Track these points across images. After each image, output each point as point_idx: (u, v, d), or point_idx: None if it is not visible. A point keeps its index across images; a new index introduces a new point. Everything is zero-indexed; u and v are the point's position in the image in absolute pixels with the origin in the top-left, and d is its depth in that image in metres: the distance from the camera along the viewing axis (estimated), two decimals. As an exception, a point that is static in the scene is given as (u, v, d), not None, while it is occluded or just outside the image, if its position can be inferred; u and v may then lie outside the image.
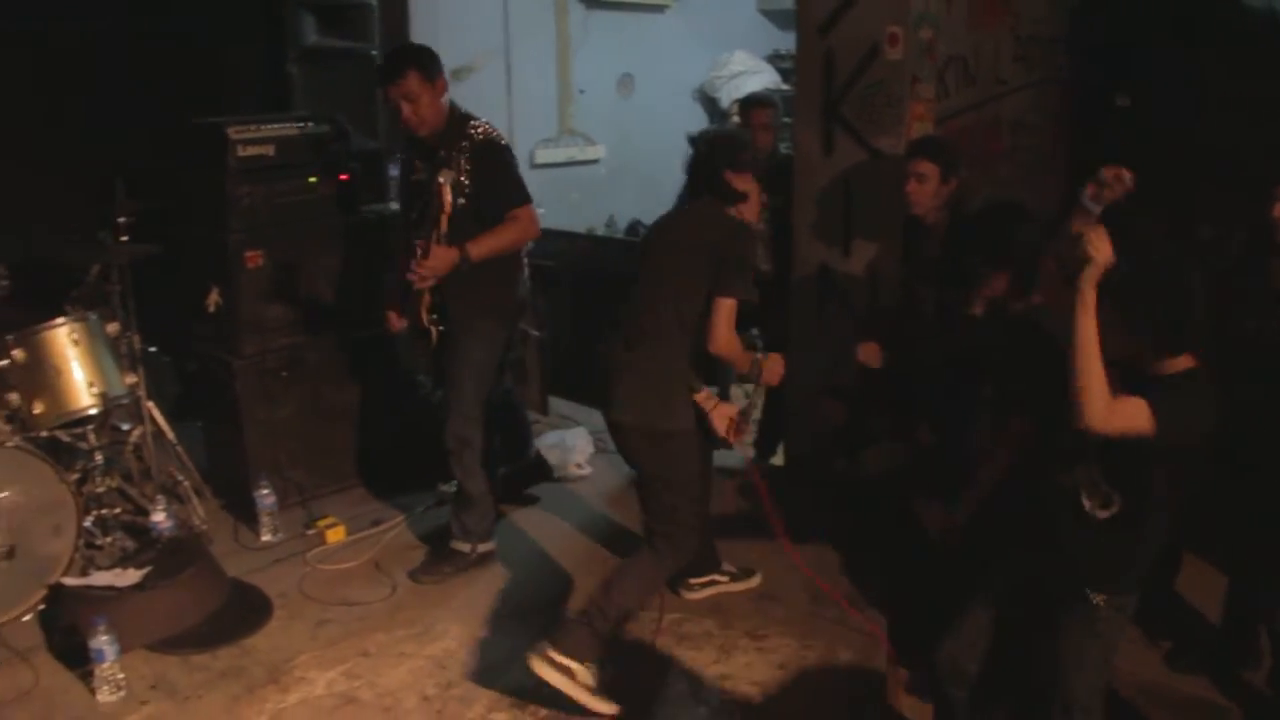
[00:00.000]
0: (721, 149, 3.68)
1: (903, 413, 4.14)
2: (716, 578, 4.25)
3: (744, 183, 3.62)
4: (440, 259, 3.99)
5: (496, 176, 4.14)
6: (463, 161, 4.09)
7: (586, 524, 4.86)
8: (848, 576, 4.28)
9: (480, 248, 4.06)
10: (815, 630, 3.96)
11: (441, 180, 3.91)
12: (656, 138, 8.31)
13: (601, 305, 6.35)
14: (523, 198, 4.18)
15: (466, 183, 4.08)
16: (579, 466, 5.38)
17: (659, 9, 8.34)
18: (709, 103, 8.93)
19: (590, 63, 7.97)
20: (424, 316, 4.27)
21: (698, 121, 8.82)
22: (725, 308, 3.39)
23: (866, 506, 4.33)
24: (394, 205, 5.10)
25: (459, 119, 4.17)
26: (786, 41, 9.29)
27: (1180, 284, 2.52)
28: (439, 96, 4.12)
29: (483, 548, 4.47)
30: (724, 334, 3.40)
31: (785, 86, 8.71)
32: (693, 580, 4.18)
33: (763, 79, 8.71)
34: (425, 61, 4.10)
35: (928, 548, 3.72)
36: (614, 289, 6.32)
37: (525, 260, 4.63)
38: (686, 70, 8.71)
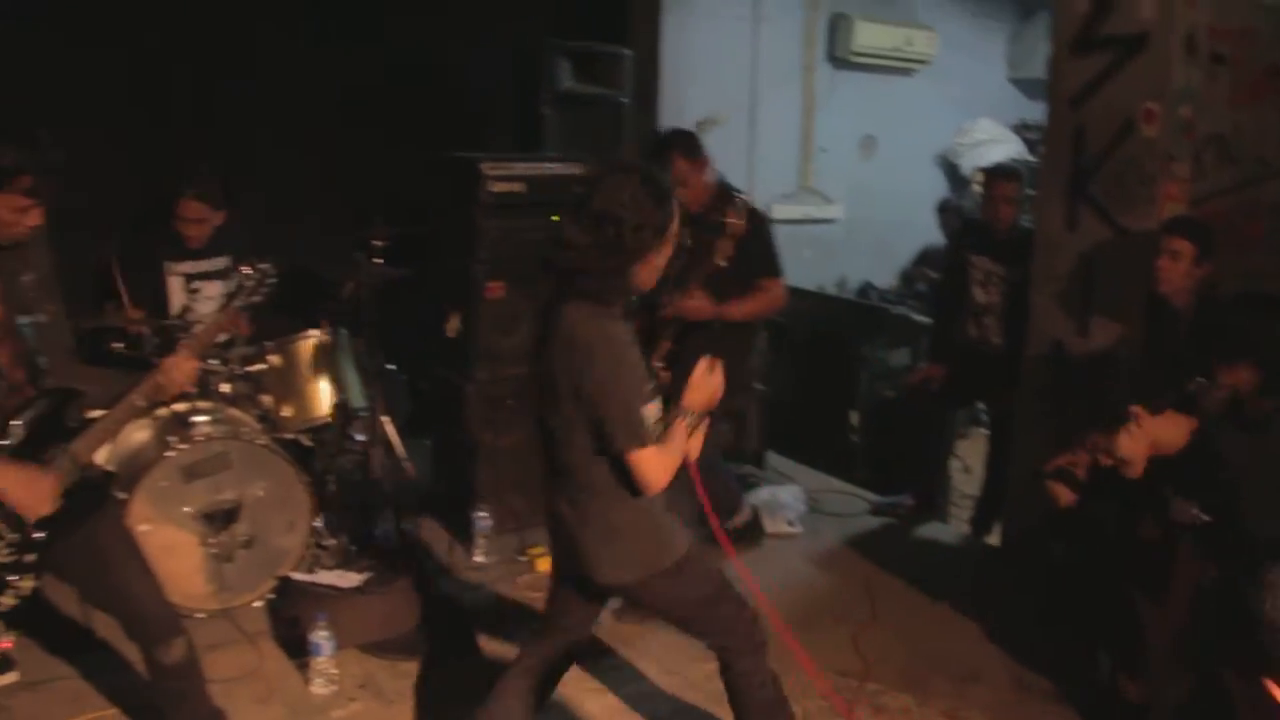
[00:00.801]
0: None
1: (1131, 502, 3.97)
2: None
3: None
4: (697, 305, 4.27)
5: (756, 245, 4.31)
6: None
7: (791, 582, 4.81)
8: (1052, 665, 4.11)
9: (733, 310, 4.33)
10: (1016, 718, 3.82)
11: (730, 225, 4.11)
12: (894, 201, 8.28)
13: (826, 364, 6.42)
14: (776, 270, 4.38)
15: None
16: (790, 524, 5.34)
17: (907, 72, 8.30)
18: (950, 169, 8.81)
19: (834, 121, 8.00)
20: (658, 362, 4.37)
21: (937, 187, 8.71)
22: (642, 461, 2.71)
23: (1082, 594, 4.16)
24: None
25: (724, 190, 4.40)
26: (1034, 111, 9.11)
27: None
28: (703, 174, 4.36)
29: None
30: (660, 483, 2.76)
31: (1030, 157, 8.52)
32: None
33: (1007, 149, 8.56)
34: (688, 145, 4.38)
35: (1143, 640, 3.55)
36: (840, 349, 6.35)
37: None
38: (929, 135, 8.63)
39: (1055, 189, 4.74)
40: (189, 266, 4.92)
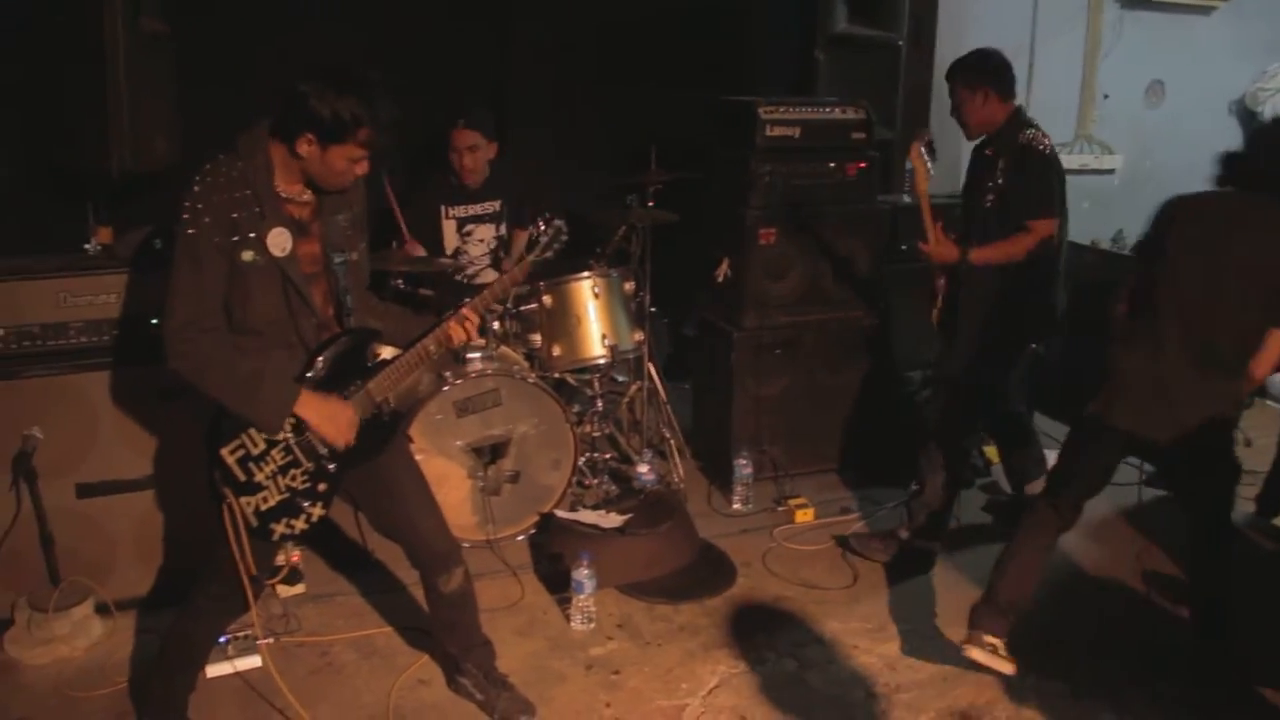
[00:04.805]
0: None
1: None
2: None
3: None
4: (938, 251, 4.17)
5: (1026, 183, 4.13)
6: (1002, 164, 4.18)
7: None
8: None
9: (982, 254, 4.14)
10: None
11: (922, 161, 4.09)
12: (1181, 152, 7.68)
13: (1099, 323, 6.05)
14: (1045, 210, 4.12)
15: (1000, 184, 4.18)
16: (1051, 488, 5.08)
17: (1205, 10, 7.67)
18: (1247, 117, 8.13)
19: (1119, 66, 7.48)
20: (936, 312, 4.37)
21: (1231, 139, 8.02)
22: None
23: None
24: (906, 198, 5.08)
25: (1015, 125, 4.23)
26: (1352, 52, 8.31)
27: None
28: (983, 104, 4.22)
29: (920, 543, 4.40)
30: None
31: (1343, 104, 7.80)
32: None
33: (1315, 94, 7.84)
34: (967, 72, 4.28)
35: None
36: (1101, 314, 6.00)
37: (1060, 271, 4.43)
38: (1227, 80, 7.96)
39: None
40: (462, 210, 5.08)
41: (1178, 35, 7.67)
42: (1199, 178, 7.66)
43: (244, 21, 4.94)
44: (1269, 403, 6.65)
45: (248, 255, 2.70)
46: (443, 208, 5.07)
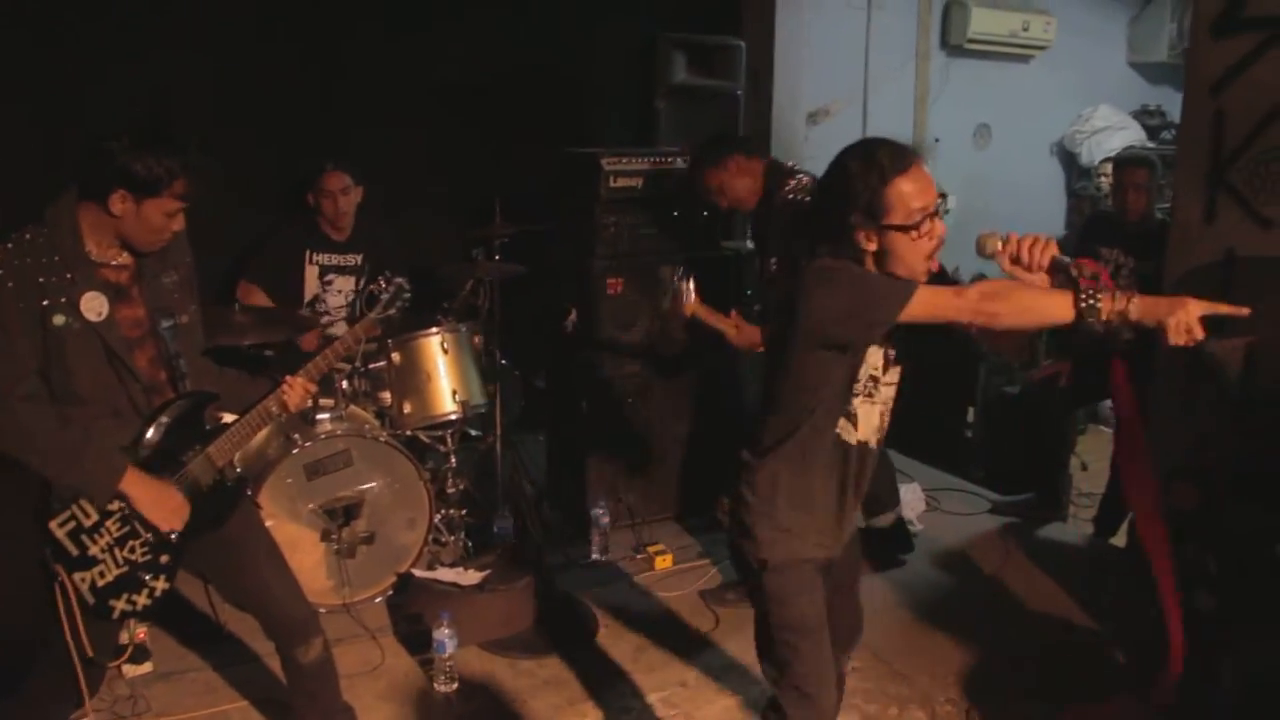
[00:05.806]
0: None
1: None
2: None
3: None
4: (743, 338, 4.12)
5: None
6: (775, 225, 4.18)
7: (910, 583, 4.71)
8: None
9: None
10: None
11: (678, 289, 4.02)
12: (1008, 191, 8.07)
13: (941, 359, 6.26)
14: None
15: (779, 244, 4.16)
16: (910, 524, 5.23)
17: (1023, 59, 8.08)
18: (1067, 158, 8.59)
19: (948, 111, 7.82)
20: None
21: (1054, 177, 8.51)
22: None
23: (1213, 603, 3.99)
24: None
25: (775, 179, 4.22)
26: (1156, 96, 8.84)
27: None
28: (738, 170, 4.20)
29: None
30: None
31: (1150, 144, 8.27)
32: None
33: (1127, 135, 8.31)
34: (703, 158, 4.26)
35: None
36: (956, 343, 6.22)
37: None
38: (1046, 123, 8.41)
39: (1191, 178, 4.53)
40: (326, 258, 5.05)
41: (1000, 81, 8.06)
42: (1025, 215, 8.06)
43: (59, 86, 4.79)
44: (1102, 428, 6.96)
45: (59, 320, 2.60)
46: (308, 252, 5.03)
